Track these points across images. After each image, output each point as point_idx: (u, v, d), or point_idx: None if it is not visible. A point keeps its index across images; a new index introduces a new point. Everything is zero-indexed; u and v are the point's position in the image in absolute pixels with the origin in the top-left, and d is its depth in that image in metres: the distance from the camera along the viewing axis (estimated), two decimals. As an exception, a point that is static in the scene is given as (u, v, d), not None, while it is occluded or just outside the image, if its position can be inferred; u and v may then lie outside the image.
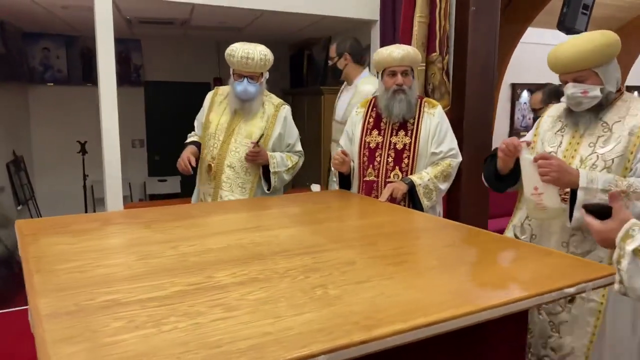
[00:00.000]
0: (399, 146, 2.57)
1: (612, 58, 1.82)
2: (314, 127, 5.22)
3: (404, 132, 2.58)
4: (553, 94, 3.88)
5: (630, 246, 1.17)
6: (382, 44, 4.02)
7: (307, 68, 7.15)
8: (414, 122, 2.58)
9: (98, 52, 3.65)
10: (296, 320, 1.11)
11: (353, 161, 2.74)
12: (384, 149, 2.60)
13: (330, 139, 5.04)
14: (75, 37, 6.61)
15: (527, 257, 1.58)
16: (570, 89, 1.82)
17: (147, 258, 1.54)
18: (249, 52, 2.61)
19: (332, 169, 2.75)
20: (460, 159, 2.59)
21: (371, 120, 2.68)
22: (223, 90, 2.88)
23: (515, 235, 2.04)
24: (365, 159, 2.64)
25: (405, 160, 2.55)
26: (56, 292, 1.26)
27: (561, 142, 1.93)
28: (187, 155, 2.68)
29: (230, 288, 1.30)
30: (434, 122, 2.57)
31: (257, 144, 2.63)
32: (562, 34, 4.21)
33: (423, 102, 2.63)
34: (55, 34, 6.44)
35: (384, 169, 2.58)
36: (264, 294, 1.26)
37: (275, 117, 2.80)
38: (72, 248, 1.63)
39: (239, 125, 2.73)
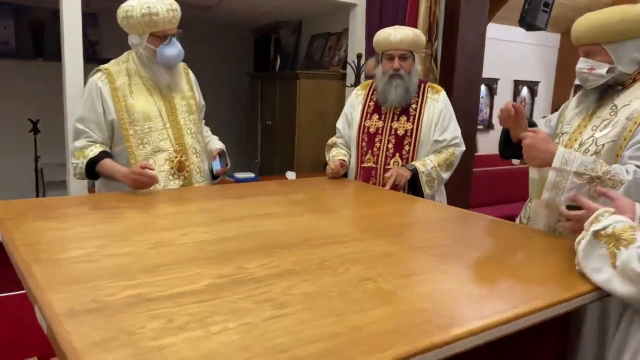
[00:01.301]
0: (400, 132, 2.46)
1: (631, 35, 1.61)
2: (287, 112, 5.05)
3: (405, 118, 2.48)
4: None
5: (593, 228, 1.19)
6: (368, 29, 3.90)
7: (274, 52, 6.94)
8: (416, 108, 2.48)
9: (64, 25, 3.32)
10: (362, 319, 0.98)
11: (349, 150, 2.61)
12: (384, 135, 2.48)
13: (305, 125, 4.90)
14: (25, 8, 6.11)
15: (562, 249, 1.51)
16: (580, 63, 1.69)
17: (160, 246, 1.36)
18: (165, 4, 2.08)
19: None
20: (463, 148, 2.52)
21: (371, 104, 2.55)
22: (115, 69, 2.19)
23: (521, 217, 1.96)
24: (364, 144, 2.52)
25: (407, 147, 2.44)
26: (67, 286, 1.07)
27: (573, 124, 1.79)
28: (141, 172, 1.96)
29: (269, 281, 1.15)
30: (438, 108, 2.47)
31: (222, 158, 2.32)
32: (518, 31, 4.23)
33: (426, 87, 2.53)
34: (1, 2, 5.93)
35: (384, 155, 2.47)
36: (310, 288, 1.12)
37: (190, 79, 2.38)
38: (68, 234, 1.43)
39: (174, 98, 2.25)
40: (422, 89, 2.51)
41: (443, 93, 2.53)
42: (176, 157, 2.21)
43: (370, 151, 2.50)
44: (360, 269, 1.25)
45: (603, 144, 1.62)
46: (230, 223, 1.61)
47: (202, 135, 2.39)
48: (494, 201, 5.34)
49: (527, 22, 4.23)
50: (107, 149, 2.16)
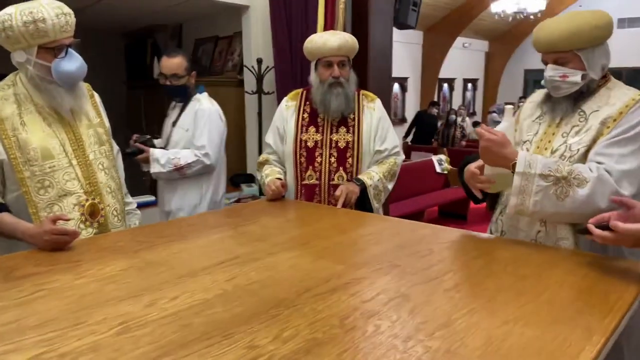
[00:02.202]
0: (342, 144, 2.30)
1: (600, 41, 1.59)
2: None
3: (345, 129, 2.32)
4: None
5: None
6: (274, 32, 3.68)
7: (150, 59, 6.39)
8: (354, 118, 2.33)
9: None
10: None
11: (284, 167, 2.39)
12: (324, 148, 2.30)
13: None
14: None
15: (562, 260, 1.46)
16: (549, 71, 1.62)
17: (130, 329, 1.04)
18: (52, 7, 1.68)
19: (263, 181, 2.33)
20: (403, 156, 2.42)
21: (306, 115, 2.35)
22: (3, 95, 1.75)
23: (490, 231, 1.91)
24: (303, 159, 2.31)
25: (350, 160, 2.29)
26: None
27: (537, 131, 1.72)
28: (57, 229, 1.53)
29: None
30: (375, 117, 2.35)
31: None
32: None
33: (361, 94, 2.39)
34: None
35: (327, 171, 2.29)
36: (356, 364, 0.91)
37: (95, 102, 1.98)
38: (-9, 330, 1.04)
39: (79, 127, 1.84)
40: (357, 98, 2.37)
41: (378, 101, 2.41)
42: (87, 200, 1.80)
43: (311, 167, 2.30)
44: (389, 325, 1.06)
45: (578, 149, 1.58)
46: (198, 279, 1.32)
47: (117, 170, 2.00)
48: (404, 196, 5.42)
49: (400, 22, 4.34)
50: (1, 200, 1.71)
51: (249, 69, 4.20)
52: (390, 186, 2.34)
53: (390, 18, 3.46)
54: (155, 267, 1.42)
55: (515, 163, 1.53)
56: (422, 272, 1.37)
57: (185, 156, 2.61)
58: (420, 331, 1.03)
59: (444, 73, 13.21)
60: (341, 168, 2.28)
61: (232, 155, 4.71)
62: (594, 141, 1.56)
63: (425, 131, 9.95)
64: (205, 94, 2.84)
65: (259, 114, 4.27)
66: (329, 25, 3.12)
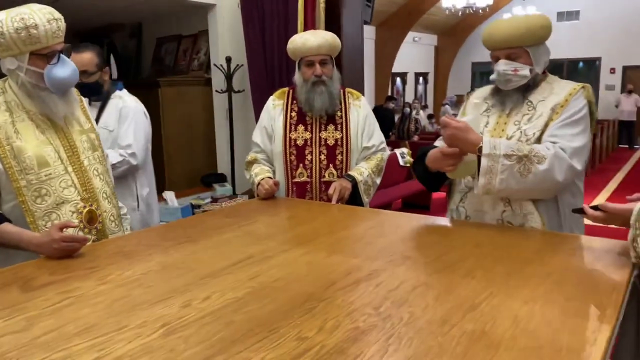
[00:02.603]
0: (331, 142, 2.35)
1: (544, 40, 1.82)
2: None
3: (333, 127, 2.37)
4: None
5: None
6: (246, 30, 3.68)
7: (107, 58, 6.21)
8: (342, 115, 2.39)
9: None
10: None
11: (273, 165, 2.43)
12: (314, 146, 2.35)
13: (172, 137, 4.43)
14: None
15: (561, 245, 1.57)
16: (502, 65, 1.79)
17: (173, 331, 1.06)
18: (44, 13, 1.65)
19: (253, 177, 2.36)
20: (388, 152, 2.51)
21: (294, 114, 2.39)
22: None
23: (452, 218, 2.00)
24: (293, 157, 2.35)
25: (339, 157, 2.35)
26: None
27: (487, 123, 1.88)
28: (66, 237, 1.53)
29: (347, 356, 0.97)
30: (362, 114, 2.42)
31: None
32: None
33: (346, 92, 2.45)
34: None
35: (317, 168, 2.34)
36: (410, 350, 0.97)
37: (85, 107, 1.96)
38: (27, 337, 1.04)
39: (72, 134, 1.82)
40: (342, 95, 2.43)
41: (363, 98, 2.48)
42: (85, 206, 1.78)
43: (301, 164, 2.34)
44: (421, 312, 1.13)
45: (533, 133, 1.76)
46: (221, 279, 1.34)
47: (110, 175, 1.98)
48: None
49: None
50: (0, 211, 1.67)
51: (217, 67, 4.19)
52: (378, 181, 2.42)
53: (359, 14, 3.54)
54: (173, 270, 1.43)
55: (482, 146, 1.67)
56: (434, 262, 1.45)
57: (110, 156, 2.35)
58: (452, 316, 1.11)
59: (396, 67, 13.47)
60: (331, 165, 2.34)
61: (202, 154, 4.68)
62: (546, 125, 1.76)
63: (383, 126, 10.13)
64: (125, 91, 2.67)
65: (230, 112, 4.27)
66: (310, 25, 3.16)
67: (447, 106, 12.22)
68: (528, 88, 1.82)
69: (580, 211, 1.47)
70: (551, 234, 1.71)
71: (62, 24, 1.71)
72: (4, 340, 1.04)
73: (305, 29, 3.21)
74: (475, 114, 1.90)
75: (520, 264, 1.41)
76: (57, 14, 1.70)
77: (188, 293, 1.26)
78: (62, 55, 1.71)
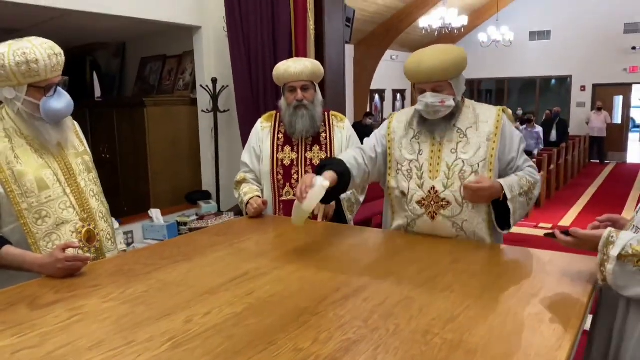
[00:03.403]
0: (316, 162, 2.47)
1: (463, 71, 1.93)
2: (133, 143, 4.61)
3: (318, 147, 2.49)
4: None
5: (613, 252, 1.32)
6: (232, 53, 3.80)
7: (90, 77, 6.25)
8: (326, 137, 2.52)
9: None
10: (478, 380, 0.99)
11: (261, 184, 2.53)
12: (300, 166, 2.47)
13: (158, 155, 4.44)
14: None
15: (527, 261, 1.71)
16: (430, 98, 1.88)
17: (180, 345, 1.16)
18: (44, 48, 1.73)
19: (242, 196, 2.47)
20: (370, 169, 2.62)
21: (281, 136, 2.51)
22: None
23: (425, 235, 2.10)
24: (280, 177, 2.47)
25: (324, 177, 2.46)
26: None
27: (421, 150, 1.99)
28: (70, 257, 1.61)
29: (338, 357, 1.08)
30: (345, 135, 2.55)
31: None
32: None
33: (330, 115, 2.58)
34: None
35: (303, 187, 2.45)
36: (391, 355, 1.08)
37: (77, 131, 2.02)
38: (43, 352, 1.12)
39: (68, 157, 1.90)
40: (327, 118, 2.55)
41: (347, 121, 2.61)
42: (84, 226, 1.86)
43: (288, 184, 2.45)
44: (406, 323, 1.25)
45: (478, 164, 1.92)
46: (219, 295, 1.44)
47: (103, 196, 2.06)
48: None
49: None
50: (1, 234, 1.73)
51: (203, 87, 4.29)
52: (361, 198, 2.55)
53: (341, 37, 3.70)
54: (173, 287, 1.52)
55: (505, 193, 1.85)
56: (416, 277, 1.57)
57: None
58: (433, 326, 1.22)
59: (374, 84, 13.74)
60: None
61: (187, 172, 4.76)
62: (490, 155, 1.92)
63: (362, 142, 10.30)
64: None
65: (215, 131, 4.36)
66: (301, 49, 3.30)
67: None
68: (453, 115, 1.96)
69: (552, 235, 1.55)
70: (521, 250, 1.85)
71: (62, 59, 1.79)
72: (21, 356, 1.12)
73: (297, 53, 3.36)
74: (406, 140, 2.03)
75: (493, 278, 1.55)
76: (58, 49, 1.78)
77: (189, 309, 1.35)
78: (58, 88, 1.79)
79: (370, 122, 11.17)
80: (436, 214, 1.95)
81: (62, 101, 1.80)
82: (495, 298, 1.40)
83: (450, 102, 1.90)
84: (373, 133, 2.17)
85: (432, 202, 1.95)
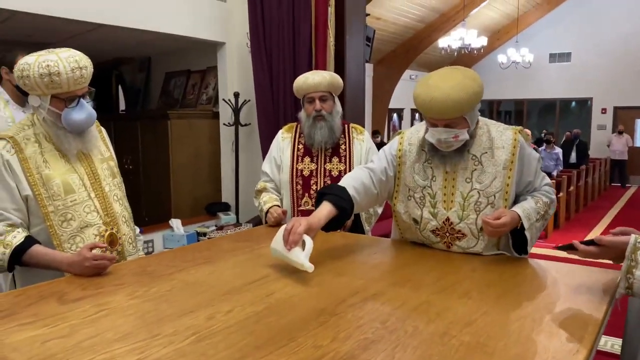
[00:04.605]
0: (335, 173, 2.51)
1: (478, 102, 1.80)
2: (156, 155, 4.71)
3: (337, 159, 2.54)
4: None
5: None
6: (255, 68, 3.89)
7: (115, 90, 6.43)
8: (345, 149, 2.56)
9: None
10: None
11: (280, 193, 2.58)
12: (319, 177, 2.51)
13: (179, 167, 4.54)
14: None
15: (548, 273, 1.71)
16: (443, 134, 1.78)
17: (203, 339, 1.19)
18: (69, 62, 1.77)
19: (262, 204, 2.52)
20: (390, 182, 2.65)
21: (301, 147, 2.56)
22: (21, 136, 1.84)
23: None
24: (299, 187, 2.51)
25: (343, 188, 2.50)
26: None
27: (434, 177, 1.91)
28: (97, 256, 1.67)
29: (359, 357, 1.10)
30: (365, 147, 2.59)
31: None
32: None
33: (350, 127, 2.63)
34: None
35: (322, 198, 2.49)
36: (411, 355, 1.10)
37: (104, 137, 2.09)
38: (71, 342, 1.16)
39: (94, 162, 1.97)
40: (346, 130, 2.60)
41: (366, 132, 2.66)
42: (107, 230, 1.93)
43: (307, 194, 2.50)
44: (424, 325, 1.27)
45: (494, 195, 1.84)
46: (241, 295, 1.47)
47: (127, 200, 2.13)
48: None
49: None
50: (29, 234, 1.80)
51: (226, 101, 4.38)
52: (379, 210, 2.57)
53: (362, 56, 3.77)
54: (196, 287, 1.56)
55: (522, 223, 1.79)
56: (433, 284, 1.59)
57: None
58: (451, 329, 1.24)
59: (393, 103, 13.81)
60: None
61: (207, 184, 4.84)
62: (507, 184, 1.85)
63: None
64: None
65: (236, 144, 4.44)
66: (321, 64, 3.38)
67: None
68: (467, 143, 1.85)
69: (567, 248, 1.52)
70: (539, 261, 1.86)
71: (87, 72, 1.83)
72: (52, 344, 1.16)
73: (317, 68, 3.44)
74: (418, 165, 1.94)
75: (511, 287, 1.56)
76: (84, 63, 1.82)
77: (211, 307, 1.39)
78: (81, 100, 1.85)
79: (379, 140, 11.25)
80: (451, 244, 1.91)
81: (82, 113, 1.85)
82: (513, 305, 1.41)
83: (465, 136, 1.80)
84: (382, 150, 2.06)
85: (447, 233, 1.90)
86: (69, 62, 1.77)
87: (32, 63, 1.75)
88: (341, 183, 1.95)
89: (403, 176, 1.97)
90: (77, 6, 3.59)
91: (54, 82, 1.76)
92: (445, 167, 1.89)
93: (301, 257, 1.63)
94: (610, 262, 1.46)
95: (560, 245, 1.57)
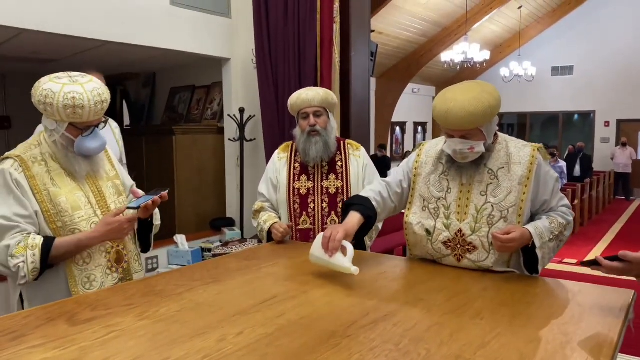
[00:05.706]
0: (332, 190, 2.51)
1: (495, 115, 1.83)
2: (161, 170, 4.72)
3: (334, 176, 2.53)
4: None
5: None
6: (260, 84, 3.91)
7: (120, 105, 6.46)
8: (342, 165, 2.56)
9: None
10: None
11: (278, 213, 2.57)
12: (316, 195, 2.51)
13: (184, 182, 4.57)
14: None
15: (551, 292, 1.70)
16: (458, 145, 1.82)
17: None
18: (94, 95, 1.78)
19: (261, 223, 2.52)
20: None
21: (297, 165, 2.56)
22: (28, 155, 1.87)
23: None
24: (297, 206, 2.50)
25: (340, 205, 2.48)
26: None
27: (449, 189, 1.94)
28: (121, 217, 1.85)
29: (378, 380, 1.09)
30: (361, 163, 2.58)
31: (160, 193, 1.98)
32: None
33: (346, 143, 2.63)
34: None
35: (320, 216, 2.48)
36: (423, 380, 1.09)
37: (110, 156, 2.12)
38: (91, 367, 1.15)
39: (99, 180, 1.99)
40: (342, 146, 2.60)
41: (363, 149, 2.65)
42: (113, 247, 1.95)
43: (304, 212, 2.49)
44: (437, 348, 1.25)
45: (508, 209, 1.85)
46: (251, 317, 1.46)
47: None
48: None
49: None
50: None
51: (231, 117, 4.40)
52: (380, 225, 2.56)
53: (367, 74, 3.78)
54: (205, 308, 1.55)
55: (533, 241, 1.80)
56: (445, 304, 1.57)
57: None
58: (464, 352, 1.23)
59: (396, 117, 13.86)
60: (333, 212, 2.48)
61: (212, 199, 4.84)
62: (521, 200, 1.85)
63: (381, 173, 10.36)
64: None
65: (241, 159, 4.45)
66: (326, 85, 3.40)
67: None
68: (483, 156, 1.88)
69: (593, 263, 1.50)
70: (551, 280, 1.84)
71: (107, 104, 1.86)
72: (62, 368, 1.16)
73: (322, 84, 3.45)
74: (434, 176, 1.97)
75: (523, 307, 1.54)
76: (105, 96, 1.84)
77: (221, 329, 1.38)
78: (96, 129, 1.87)
79: (383, 154, 11.24)
80: (462, 257, 1.91)
81: (96, 141, 1.88)
82: (526, 326, 1.39)
83: (481, 148, 1.82)
84: (400, 165, 2.13)
85: (459, 245, 1.91)
86: (93, 96, 1.78)
87: (57, 92, 1.76)
88: (362, 194, 2.09)
89: (417, 187, 2.02)
90: (83, 24, 3.62)
91: (77, 114, 1.78)
92: (462, 179, 1.92)
93: (345, 262, 1.76)
94: (634, 279, 1.45)
95: (583, 260, 1.55)
